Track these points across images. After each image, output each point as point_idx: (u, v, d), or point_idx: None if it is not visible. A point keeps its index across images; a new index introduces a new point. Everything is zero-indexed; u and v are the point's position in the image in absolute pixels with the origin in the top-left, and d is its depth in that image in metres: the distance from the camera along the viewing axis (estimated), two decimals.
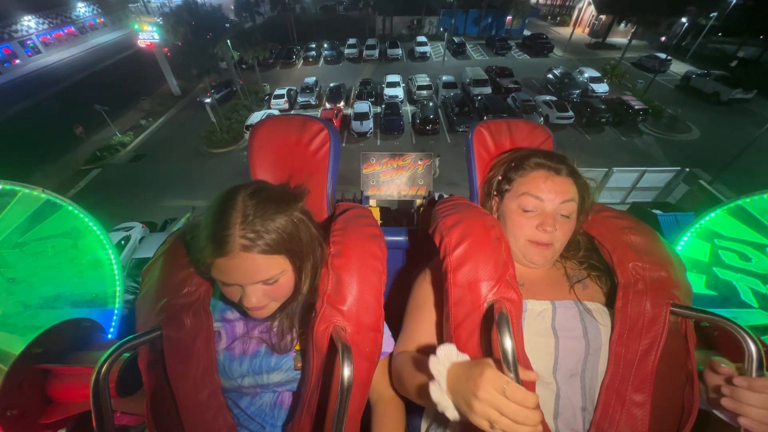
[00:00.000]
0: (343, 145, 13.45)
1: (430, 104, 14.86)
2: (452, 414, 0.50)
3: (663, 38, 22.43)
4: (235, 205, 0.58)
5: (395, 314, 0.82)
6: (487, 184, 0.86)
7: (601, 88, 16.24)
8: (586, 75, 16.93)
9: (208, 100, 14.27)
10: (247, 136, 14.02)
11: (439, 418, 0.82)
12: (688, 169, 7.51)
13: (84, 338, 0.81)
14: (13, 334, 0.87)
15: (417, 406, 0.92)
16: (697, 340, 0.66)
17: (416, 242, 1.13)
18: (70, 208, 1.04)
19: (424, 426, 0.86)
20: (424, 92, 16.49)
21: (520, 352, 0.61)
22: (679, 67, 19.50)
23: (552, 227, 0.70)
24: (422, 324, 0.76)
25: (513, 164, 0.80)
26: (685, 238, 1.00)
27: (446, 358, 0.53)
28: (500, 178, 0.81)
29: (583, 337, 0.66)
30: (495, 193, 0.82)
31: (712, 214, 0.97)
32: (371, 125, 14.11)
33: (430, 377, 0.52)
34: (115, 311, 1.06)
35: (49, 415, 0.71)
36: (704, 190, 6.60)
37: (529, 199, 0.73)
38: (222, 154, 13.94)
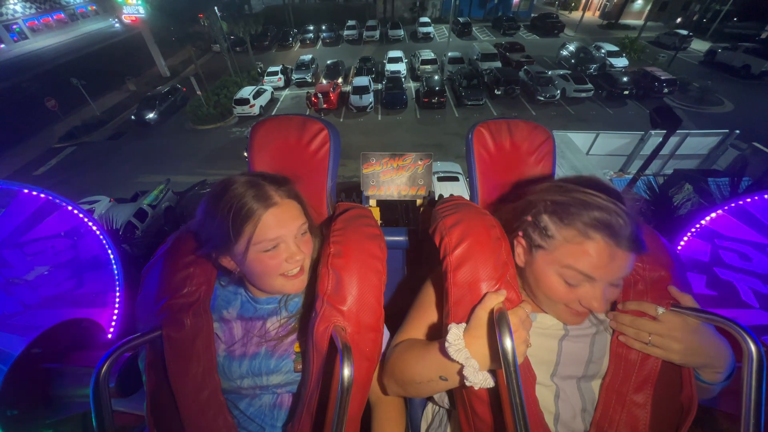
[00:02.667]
0: (341, 120, 12.89)
1: (436, 77, 13.87)
2: (482, 378, 0.54)
3: (679, 19, 21.35)
4: (244, 180, 0.64)
5: (395, 314, 0.82)
6: (510, 213, 0.69)
7: (621, 62, 15.36)
8: (603, 50, 16.04)
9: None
10: (236, 111, 13.25)
11: (439, 418, 0.83)
12: (737, 131, 6.39)
13: (84, 338, 0.82)
14: (13, 334, 0.87)
15: (417, 407, 0.93)
16: None
17: (416, 242, 1.11)
18: (70, 207, 1.03)
19: (423, 426, 0.88)
20: (429, 67, 15.57)
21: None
22: (698, 46, 18.54)
23: (600, 304, 0.57)
24: (423, 323, 0.75)
25: (553, 209, 0.59)
26: (685, 238, 0.99)
27: (458, 329, 0.57)
28: (530, 219, 0.62)
29: (589, 343, 0.66)
30: (521, 234, 0.64)
31: (713, 214, 0.95)
32: (371, 99, 13.31)
33: (445, 347, 0.55)
34: (115, 311, 1.06)
35: (49, 415, 0.72)
36: (761, 154, 5.44)
37: (578, 276, 0.56)
38: (208, 130, 13.12)
